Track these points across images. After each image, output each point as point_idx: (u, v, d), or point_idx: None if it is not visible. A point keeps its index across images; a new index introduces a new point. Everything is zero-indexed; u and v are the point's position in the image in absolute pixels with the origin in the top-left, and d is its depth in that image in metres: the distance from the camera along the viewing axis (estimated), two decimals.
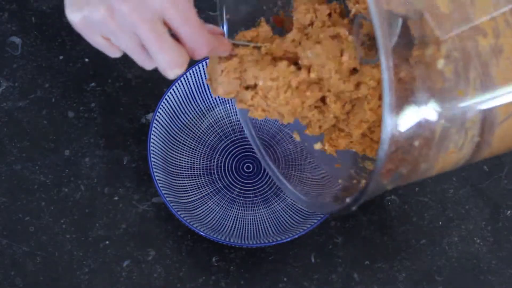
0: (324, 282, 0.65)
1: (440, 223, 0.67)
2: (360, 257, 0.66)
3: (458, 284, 0.65)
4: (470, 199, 0.68)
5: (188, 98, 0.67)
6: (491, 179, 0.69)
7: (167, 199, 0.61)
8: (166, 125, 0.66)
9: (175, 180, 0.66)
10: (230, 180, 0.68)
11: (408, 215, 0.67)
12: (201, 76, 0.67)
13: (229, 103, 0.70)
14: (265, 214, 0.67)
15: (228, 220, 0.66)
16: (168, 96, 0.65)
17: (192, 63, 0.67)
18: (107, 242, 0.66)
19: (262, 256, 0.65)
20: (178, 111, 0.67)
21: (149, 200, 0.67)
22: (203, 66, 0.66)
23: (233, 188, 0.67)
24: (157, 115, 0.64)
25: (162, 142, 0.65)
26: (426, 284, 0.65)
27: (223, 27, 0.58)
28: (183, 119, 0.68)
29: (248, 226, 0.66)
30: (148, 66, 0.48)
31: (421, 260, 0.66)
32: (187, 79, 0.66)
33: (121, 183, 0.67)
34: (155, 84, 0.71)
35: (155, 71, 0.72)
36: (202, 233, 0.60)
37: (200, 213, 0.65)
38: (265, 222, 0.66)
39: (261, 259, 0.65)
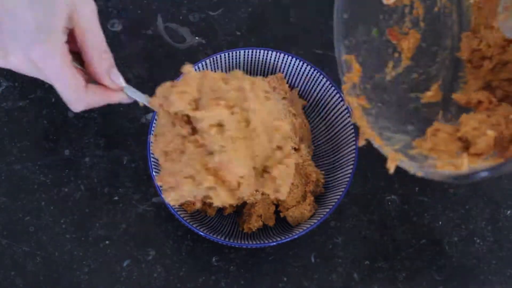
0: (324, 282, 0.65)
1: (440, 223, 0.67)
2: (360, 257, 0.66)
3: (458, 284, 0.65)
4: (470, 199, 0.68)
5: None
6: (491, 179, 0.69)
7: None
8: None
9: None
10: None
11: (408, 215, 0.67)
12: None
13: None
14: None
15: (228, 220, 0.66)
16: None
17: (189, 61, 0.66)
18: (107, 242, 0.66)
19: (262, 256, 0.65)
20: None
21: (149, 200, 0.67)
22: (202, 66, 0.66)
23: None
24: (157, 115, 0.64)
25: None
26: (426, 284, 0.65)
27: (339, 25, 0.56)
28: None
29: None
30: None
31: (421, 260, 0.66)
32: None
33: (121, 183, 0.67)
34: (155, 84, 0.71)
35: (156, 71, 0.72)
36: (201, 233, 0.60)
37: (200, 213, 0.65)
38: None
39: (261, 259, 0.65)
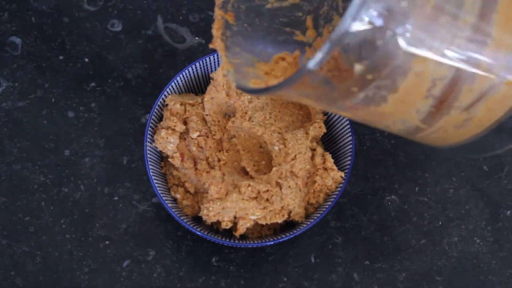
0: (324, 282, 0.65)
1: (440, 223, 0.67)
2: (360, 257, 0.66)
3: (458, 284, 0.65)
4: (470, 199, 0.68)
5: None
6: (491, 179, 0.69)
7: (164, 198, 0.61)
8: None
9: None
10: None
11: (408, 215, 0.67)
12: (197, 74, 0.67)
13: None
14: None
15: None
16: (164, 95, 0.65)
17: (189, 62, 0.67)
18: (107, 242, 0.66)
19: (262, 256, 0.65)
20: None
21: (149, 200, 0.67)
22: (200, 64, 0.66)
23: None
24: (153, 115, 0.64)
25: None
26: (426, 284, 0.65)
27: None
28: None
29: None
30: None
31: (421, 260, 0.66)
32: (183, 78, 0.66)
33: (121, 183, 0.67)
34: (155, 84, 0.71)
35: (156, 71, 0.72)
36: (200, 234, 0.60)
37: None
38: None
39: (261, 259, 0.65)
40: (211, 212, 0.60)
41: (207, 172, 0.62)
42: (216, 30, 0.53)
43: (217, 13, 0.54)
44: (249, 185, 0.60)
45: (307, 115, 0.67)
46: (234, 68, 0.52)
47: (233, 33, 0.54)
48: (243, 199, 0.60)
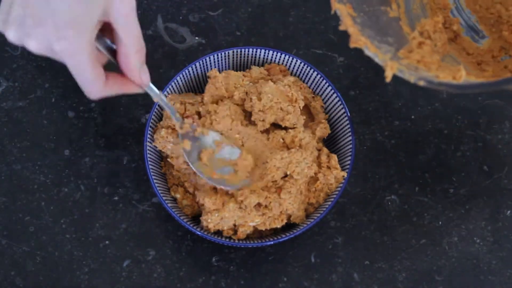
0: (324, 282, 0.65)
1: (440, 223, 0.67)
2: (360, 257, 0.66)
3: (458, 284, 0.65)
4: (470, 199, 0.68)
5: None
6: (491, 179, 0.69)
7: (164, 198, 0.61)
8: None
9: None
10: None
11: (408, 215, 0.67)
12: (197, 74, 0.67)
13: None
14: None
15: None
16: (164, 95, 0.65)
17: (189, 61, 0.67)
18: (107, 242, 0.66)
19: (262, 256, 0.65)
20: None
21: (149, 200, 0.67)
22: (200, 64, 0.66)
23: None
24: (153, 115, 0.64)
25: None
26: (426, 284, 0.65)
27: None
28: None
29: None
30: None
31: (421, 260, 0.66)
32: (183, 78, 0.66)
33: (121, 183, 0.67)
34: (155, 84, 0.71)
35: (156, 71, 0.72)
36: (200, 234, 0.60)
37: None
38: None
39: (261, 259, 0.65)
40: (210, 224, 0.60)
41: None
42: (351, 27, 0.52)
43: (339, 7, 0.53)
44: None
45: (308, 115, 0.67)
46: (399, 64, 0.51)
47: (361, 27, 0.53)
48: (240, 208, 0.60)
